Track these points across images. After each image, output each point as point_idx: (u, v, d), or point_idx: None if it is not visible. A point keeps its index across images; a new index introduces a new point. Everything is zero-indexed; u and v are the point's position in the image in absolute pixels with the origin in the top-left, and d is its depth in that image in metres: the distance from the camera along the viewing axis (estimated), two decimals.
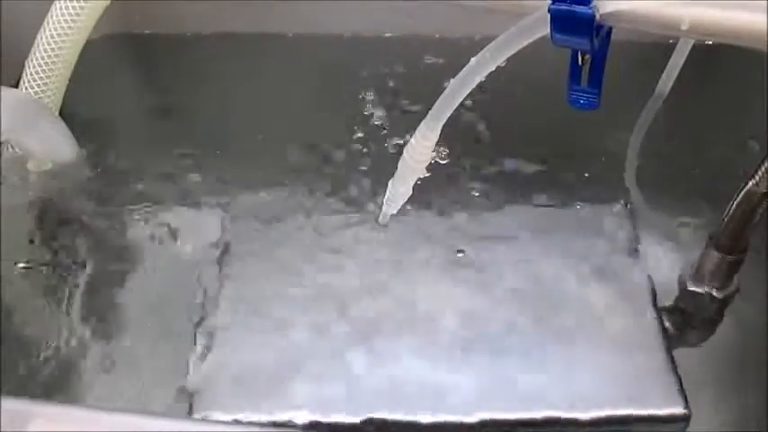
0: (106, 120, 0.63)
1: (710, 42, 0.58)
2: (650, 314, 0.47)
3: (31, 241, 0.55)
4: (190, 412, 0.43)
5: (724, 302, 0.47)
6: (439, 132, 0.40)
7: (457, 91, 0.38)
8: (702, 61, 0.59)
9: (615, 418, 0.43)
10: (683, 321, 0.48)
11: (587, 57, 0.37)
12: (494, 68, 0.37)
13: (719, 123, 0.60)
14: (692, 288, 0.47)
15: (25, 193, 0.57)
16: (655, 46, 0.59)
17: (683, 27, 0.33)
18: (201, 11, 0.67)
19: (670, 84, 0.60)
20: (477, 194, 0.56)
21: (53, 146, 0.57)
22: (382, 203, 0.45)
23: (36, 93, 0.56)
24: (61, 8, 0.54)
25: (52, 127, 0.57)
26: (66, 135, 0.58)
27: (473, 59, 0.37)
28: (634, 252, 0.50)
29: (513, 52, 0.36)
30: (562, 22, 0.33)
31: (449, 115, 0.39)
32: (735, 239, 0.44)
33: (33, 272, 0.53)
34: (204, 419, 0.42)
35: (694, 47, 0.57)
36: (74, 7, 0.54)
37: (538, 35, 0.34)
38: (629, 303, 0.47)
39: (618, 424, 0.43)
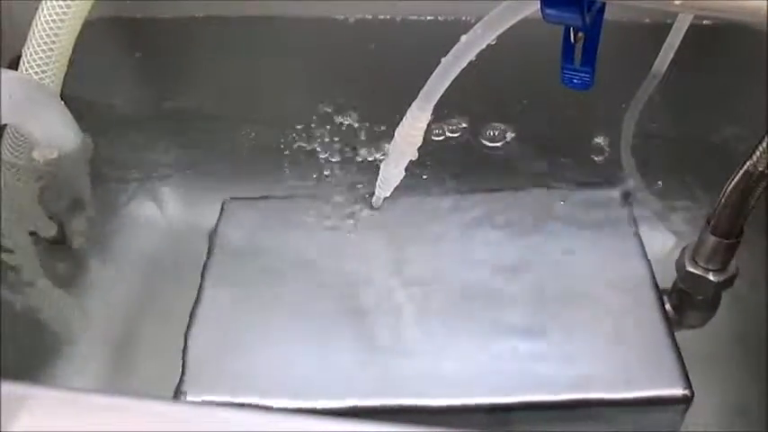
0: (100, 104, 0.63)
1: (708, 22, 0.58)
2: (651, 296, 0.46)
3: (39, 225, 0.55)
4: (183, 396, 0.43)
5: (723, 284, 0.47)
6: (430, 113, 0.40)
7: (447, 70, 0.37)
8: (700, 41, 0.59)
9: (618, 400, 0.42)
10: (684, 303, 0.48)
11: (580, 35, 0.37)
12: (484, 46, 0.36)
13: (717, 103, 0.60)
14: (690, 270, 0.47)
15: (32, 181, 0.57)
16: (653, 27, 0.59)
17: (677, 1, 0.33)
18: None
19: (666, 64, 0.59)
20: (472, 178, 0.55)
21: (57, 131, 0.56)
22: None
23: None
24: None
25: (56, 112, 0.56)
26: (69, 120, 0.57)
27: (463, 37, 0.36)
28: (632, 234, 0.49)
29: (503, 29, 0.35)
30: None
31: (440, 95, 0.39)
32: (732, 221, 0.43)
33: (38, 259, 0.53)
34: (198, 402, 0.42)
35: (692, 26, 0.56)
36: None
37: (528, 11, 0.34)
38: (629, 286, 0.47)
39: (620, 405, 0.42)
